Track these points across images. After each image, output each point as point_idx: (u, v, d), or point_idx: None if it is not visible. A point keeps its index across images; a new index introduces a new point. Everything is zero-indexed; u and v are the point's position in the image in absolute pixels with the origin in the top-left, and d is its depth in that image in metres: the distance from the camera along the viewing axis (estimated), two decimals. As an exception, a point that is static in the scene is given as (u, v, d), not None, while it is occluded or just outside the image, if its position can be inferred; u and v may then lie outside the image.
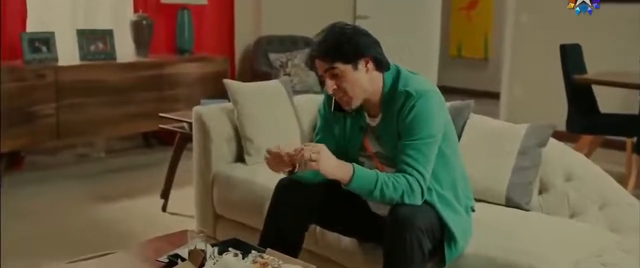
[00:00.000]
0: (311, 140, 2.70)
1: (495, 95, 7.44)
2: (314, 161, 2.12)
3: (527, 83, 6.80)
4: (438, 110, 2.26)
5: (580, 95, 4.96)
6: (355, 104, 2.31)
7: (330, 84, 2.26)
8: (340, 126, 2.44)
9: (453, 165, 2.38)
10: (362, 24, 7.04)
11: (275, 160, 2.23)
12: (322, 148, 2.16)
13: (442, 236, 2.30)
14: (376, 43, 2.30)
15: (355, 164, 2.22)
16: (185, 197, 3.90)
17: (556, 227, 2.61)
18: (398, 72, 2.33)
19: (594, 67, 5.23)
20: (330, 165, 2.16)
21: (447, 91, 8.64)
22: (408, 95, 2.23)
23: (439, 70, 7.63)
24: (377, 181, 2.18)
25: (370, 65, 2.27)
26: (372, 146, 2.39)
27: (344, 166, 2.20)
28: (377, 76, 2.30)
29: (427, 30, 7.33)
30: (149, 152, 5.57)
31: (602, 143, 5.36)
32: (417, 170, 2.21)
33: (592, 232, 2.61)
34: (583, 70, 5.08)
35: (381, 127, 2.32)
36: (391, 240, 2.19)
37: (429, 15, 7.33)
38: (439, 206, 2.30)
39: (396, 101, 2.26)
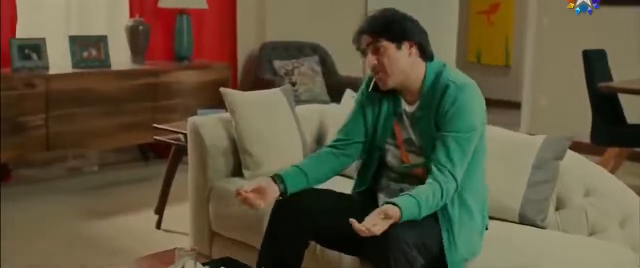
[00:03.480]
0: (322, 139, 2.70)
1: (517, 105, 7.44)
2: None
3: (551, 91, 6.79)
4: (478, 106, 2.39)
5: (605, 105, 4.95)
6: (391, 84, 2.42)
7: (371, 59, 2.41)
8: (374, 109, 2.54)
9: (480, 166, 2.47)
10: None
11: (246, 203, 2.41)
12: (375, 226, 2.17)
13: (442, 246, 2.33)
14: (424, 33, 2.46)
15: (398, 203, 2.22)
16: (180, 213, 3.91)
17: (574, 245, 2.60)
18: (443, 66, 2.47)
19: (620, 75, 5.21)
20: (384, 224, 2.19)
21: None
22: (453, 85, 2.35)
23: (457, 78, 7.62)
24: (420, 207, 2.25)
25: (414, 50, 2.41)
26: (402, 133, 2.49)
27: (389, 217, 2.21)
28: (419, 63, 2.43)
29: (443, 36, 7.33)
30: (144, 165, 5.60)
31: (629, 156, 5.34)
32: (453, 162, 2.30)
33: (612, 250, 2.60)
34: (608, 77, 5.06)
35: (417, 115, 2.43)
36: (376, 257, 2.22)
37: (445, 19, 7.33)
38: (453, 210, 2.36)
39: (438, 91, 2.37)
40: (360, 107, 2.59)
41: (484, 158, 2.49)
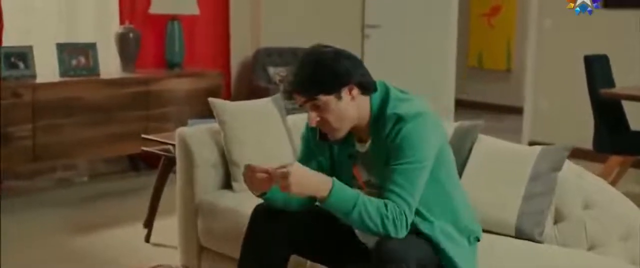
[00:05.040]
0: None
1: (518, 110, 7.41)
2: (285, 186, 2.13)
3: (554, 96, 6.76)
4: (430, 134, 2.23)
5: (608, 112, 4.92)
6: (341, 135, 2.30)
7: (313, 116, 2.25)
8: (325, 156, 2.42)
9: (450, 192, 2.35)
10: (371, 33, 7.07)
11: (251, 178, 2.25)
12: (293, 170, 2.13)
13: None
14: (360, 65, 2.28)
15: (335, 180, 2.18)
16: (170, 226, 3.88)
17: (572, 260, 2.57)
18: (387, 93, 2.31)
19: (623, 80, 5.19)
20: (303, 186, 2.14)
21: (466, 105, 8.75)
22: (397, 118, 2.21)
23: (457, 83, 7.61)
24: (356, 204, 2.15)
25: (355, 91, 2.25)
26: (362, 174, 2.38)
27: (320, 183, 2.17)
28: (364, 100, 2.29)
29: (442, 40, 7.32)
30: (135, 176, 5.58)
31: (633, 164, 5.31)
32: (402, 198, 2.17)
33: (613, 266, 2.58)
34: (611, 83, 5.03)
35: (371, 153, 2.31)
36: None
37: (445, 22, 7.32)
38: (440, 239, 2.28)
39: (385, 125, 2.24)
40: (309, 149, 2.45)
41: (453, 179, 2.39)
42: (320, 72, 2.20)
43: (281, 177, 2.13)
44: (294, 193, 2.16)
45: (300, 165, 2.19)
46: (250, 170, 2.25)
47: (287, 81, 2.26)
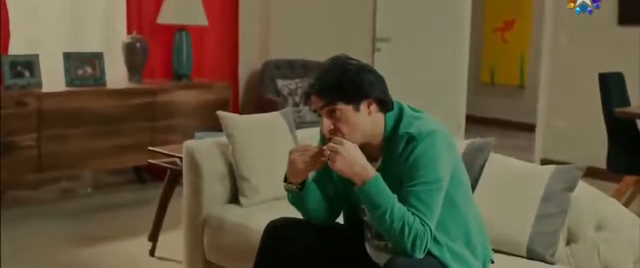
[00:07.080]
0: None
1: (531, 127, 7.42)
2: (334, 151, 2.20)
3: (567, 113, 6.76)
4: (444, 153, 2.26)
5: (622, 131, 4.92)
6: None
7: (327, 124, 2.29)
8: (337, 174, 2.41)
9: (464, 213, 2.37)
10: (382, 47, 7.11)
11: (298, 158, 2.31)
12: (346, 144, 2.21)
13: None
14: (381, 81, 2.33)
15: (379, 174, 2.24)
16: (175, 240, 3.90)
17: (584, 283, 2.59)
18: (401, 112, 2.35)
19: (638, 99, 5.19)
20: (349, 163, 2.21)
21: (478, 122, 8.75)
22: (410, 137, 2.24)
23: (469, 99, 7.63)
24: (388, 202, 2.18)
25: (373, 106, 2.29)
26: None
27: (365, 168, 2.22)
28: (380, 118, 2.33)
29: (455, 53, 7.34)
30: (140, 188, 5.60)
31: (648, 184, 5.30)
32: (422, 221, 2.20)
33: (625, 289, 2.59)
34: (626, 102, 5.04)
35: (382, 172, 2.31)
36: None
37: (457, 35, 7.34)
38: (449, 262, 2.29)
39: (398, 144, 2.26)
40: (324, 170, 2.39)
41: (467, 199, 2.41)
42: (344, 80, 2.25)
43: (336, 142, 2.21)
44: (336, 169, 2.22)
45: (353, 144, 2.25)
46: (301, 148, 2.33)
47: (308, 83, 2.31)
